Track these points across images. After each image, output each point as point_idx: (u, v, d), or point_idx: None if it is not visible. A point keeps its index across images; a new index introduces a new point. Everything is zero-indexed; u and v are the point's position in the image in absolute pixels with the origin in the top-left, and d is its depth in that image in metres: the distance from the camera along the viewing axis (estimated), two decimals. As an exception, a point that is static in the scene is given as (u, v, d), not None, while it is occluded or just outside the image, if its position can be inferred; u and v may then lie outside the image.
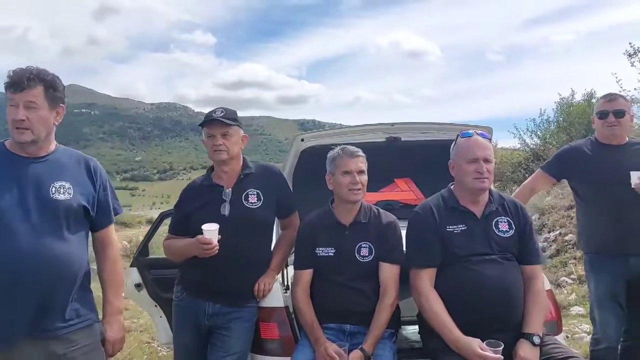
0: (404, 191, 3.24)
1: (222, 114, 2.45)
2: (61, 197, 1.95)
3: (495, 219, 2.34)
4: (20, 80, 1.89)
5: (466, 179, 2.32)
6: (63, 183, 1.97)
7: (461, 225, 2.32)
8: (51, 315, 1.90)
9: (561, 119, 14.74)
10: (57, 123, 2.03)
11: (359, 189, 2.41)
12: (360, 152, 2.46)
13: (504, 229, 2.33)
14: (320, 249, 2.45)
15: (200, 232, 2.29)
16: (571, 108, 14.47)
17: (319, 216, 2.54)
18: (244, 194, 2.49)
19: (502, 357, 2.06)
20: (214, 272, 2.38)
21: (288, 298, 2.58)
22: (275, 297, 2.52)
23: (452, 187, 2.47)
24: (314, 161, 3.05)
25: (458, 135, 2.42)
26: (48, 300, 1.88)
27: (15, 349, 1.84)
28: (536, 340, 2.15)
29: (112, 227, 2.20)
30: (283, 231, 2.71)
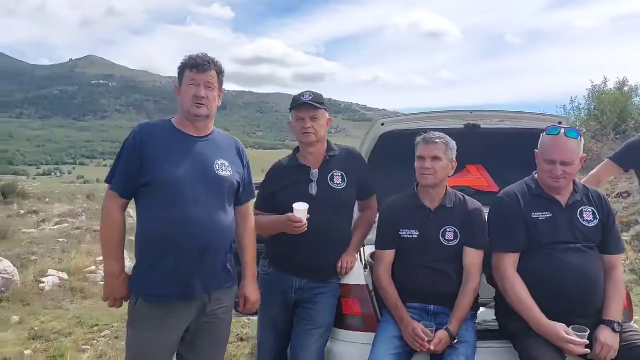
0: (476, 177, 3.29)
1: (311, 97, 2.54)
2: (223, 173, 2.20)
3: (580, 208, 2.40)
4: (203, 63, 2.17)
5: (541, 175, 2.42)
6: (223, 161, 2.23)
7: (546, 213, 2.38)
8: (213, 276, 2.18)
9: (592, 106, 14.54)
10: (219, 104, 2.27)
11: (429, 174, 2.47)
12: (439, 139, 2.49)
13: (589, 219, 2.39)
14: (403, 230, 2.52)
15: (288, 209, 2.39)
16: (603, 96, 14.27)
17: (403, 198, 2.60)
18: (329, 175, 2.58)
19: (588, 342, 2.14)
20: (301, 248, 2.48)
21: (367, 276, 2.67)
22: (356, 275, 2.61)
23: (535, 175, 2.52)
24: (391, 145, 3.11)
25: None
26: (212, 263, 2.16)
27: (184, 306, 2.13)
28: (617, 327, 2.22)
29: (250, 201, 2.43)
30: (361, 212, 2.78)
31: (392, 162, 2.97)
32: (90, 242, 9.34)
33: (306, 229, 2.39)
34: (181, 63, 2.21)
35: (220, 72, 2.23)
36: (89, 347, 4.29)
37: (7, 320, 4.88)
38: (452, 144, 2.52)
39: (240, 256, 2.40)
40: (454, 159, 2.53)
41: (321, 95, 2.60)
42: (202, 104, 2.16)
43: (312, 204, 2.42)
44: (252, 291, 2.37)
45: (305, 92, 2.58)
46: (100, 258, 7.36)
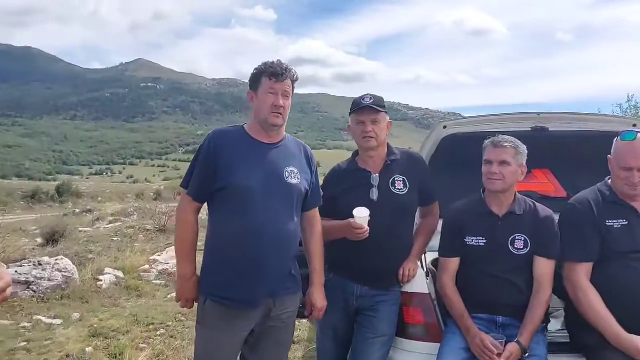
0: (542, 182, 3.15)
1: (372, 100, 2.49)
2: (293, 181, 2.22)
3: None
4: (282, 72, 2.17)
5: (616, 182, 2.31)
6: (293, 168, 2.25)
7: (622, 220, 2.27)
8: (278, 282, 2.19)
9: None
10: None
11: (496, 179, 2.37)
12: (508, 143, 2.39)
13: None
14: (469, 237, 2.43)
15: (348, 214, 2.35)
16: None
17: (469, 204, 2.51)
18: (390, 180, 2.52)
19: None
20: (362, 255, 2.43)
21: (429, 284, 2.59)
22: (418, 283, 2.54)
23: (609, 180, 2.38)
24: (454, 149, 3.01)
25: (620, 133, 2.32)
26: (278, 269, 2.18)
27: (250, 310, 2.16)
28: None
29: (317, 208, 2.44)
30: (423, 219, 2.71)
31: (454, 166, 2.88)
32: (143, 241, 9.61)
33: (368, 235, 2.34)
34: (257, 70, 2.22)
35: (294, 80, 2.25)
36: (146, 345, 4.38)
37: (68, 317, 5.06)
38: (522, 148, 2.41)
39: (308, 262, 2.39)
40: (524, 164, 2.42)
41: (382, 98, 2.55)
42: (279, 113, 2.19)
43: (373, 209, 2.37)
44: (319, 298, 2.36)
45: (365, 95, 2.53)
46: (153, 257, 7.57)
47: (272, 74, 2.17)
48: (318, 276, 2.37)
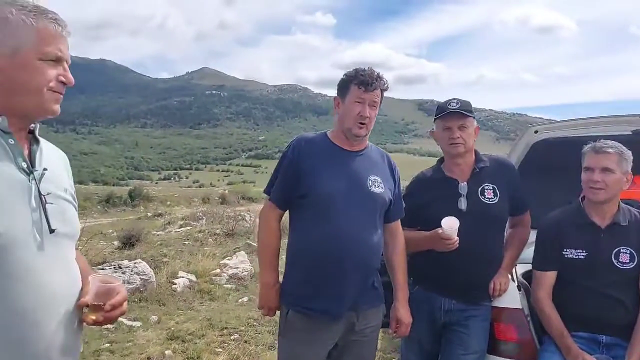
0: (646, 190, 2.90)
1: (458, 105, 2.37)
2: (376, 190, 2.15)
3: None
4: (372, 81, 2.11)
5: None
6: (376, 177, 2.18)
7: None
8: (361, 294, 2.12)
9: None
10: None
11: (598, 188, 2.18)
12: (612, 149, 2.21)
13: None
14: (568, 250, 2.27)
15: (435, 224, 2.25)
16: None
17: (567, 214, 2.34)
18: (479, 189, 2.39)
19: None
20: (451, 267, 2.32)
21: (522, 299, 2.44)
22: (511, 298, 2.39)
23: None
24: (546, 155, 2.84)
25: None
26: (361, 281, 2.12)
27: (331, 322, 2.09)
28: None
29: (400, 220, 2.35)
30: (513, 229, 2.56)
31: (546, 173, 2.71)
32: (212, 245, 9.85)
33: (457, 246, 2.22)
34: (347, 76, 2.16)
35: (384, 90, 2.18)
36: (221, 350, 4.45)
37: (147, 320, 5.24)
38: (628, 154, 2.22)
39: (391, 276, 2.31)
40: (630, 170, 2.22)
41: (469, 102, 2.42)
42: (364, 124, 2.13)
43: (462, 220, 2.24)
44: (405, 314, 2.26)
45: (451, 99, 2.41)
46: (224, 261, 7.73)
47: (362, 82, 2.10)
48: (403, 291, 2.28)
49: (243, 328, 5.10)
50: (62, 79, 1.25)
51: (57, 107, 1.26)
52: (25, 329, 1.13)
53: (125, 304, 1.33)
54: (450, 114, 2.36)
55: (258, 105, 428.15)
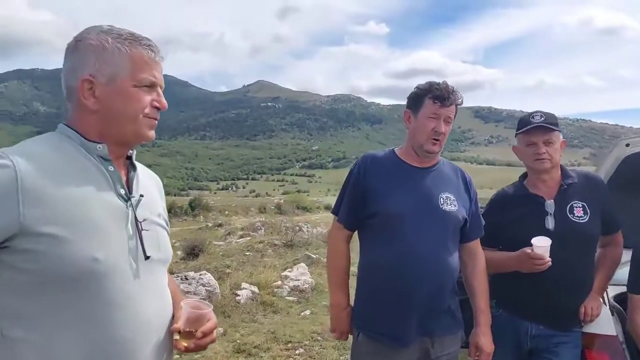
0: None
1: (543, 118, 2.21)
2: (449, 208, 2.05)
3: None
4: (448, 96, 2.02)
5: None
6: (449, 194, 2.07)
7: None
8: (435, 319, 2.02)
9: None
10: None
11: None
12: None
13: None
14: None
15: (520, 245, 2.11)
16: None
17: None
18: (568, 206, 2.23)
19: None
20: (540, 290, 2.17)
21: (616, 324, 2.25)
22: (604, 323, 2.20)
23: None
24: (638, 169, 2.64)
25: None
26: (434, 304, 2.01)
27: (402, 348, 1.99)
28: None
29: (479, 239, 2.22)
30: (604, 249, 2.37)
31: (638, 189, 2.51)
32: (272, 256, 9.95)
33: (549, 267, 2.07)
34: (421, 90, 2.08)
35: (458, 105, 2.08)
36: (287, 364, 4.43)
37: (213, 331, 5.31)
38: None
39: (471, 300, 2.18)
40: None
41: (554, 115, 2.26)
42: (438, 140, 2.04)
43: (551, 240, 2.09)
44: (486, 342, 2.10)
45: (535, 112, 2.26)
46: (284, 273, 7.76)
47: (437, 97, 2.01)
48: (484, 316, 2.13)
49: (307, 342, 5.07)
50: (156, 104, 1.25)
51: (152, 133, 1.27)
52: (124, 357, 1.13)
53: (215, 331, 1.32)
54: (535, 128, 2.22)
55: (312, 116, 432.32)
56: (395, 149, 2.19)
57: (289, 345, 5.01)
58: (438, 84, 2.05)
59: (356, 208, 2.09)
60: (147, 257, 1.21)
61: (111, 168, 1.21)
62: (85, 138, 1.19)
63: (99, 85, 1.18)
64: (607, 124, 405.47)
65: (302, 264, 8.20)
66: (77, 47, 1.20)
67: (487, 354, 2.11)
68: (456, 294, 2.12)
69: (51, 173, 1.10)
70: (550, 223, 2.21)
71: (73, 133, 1.20)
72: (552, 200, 2.24)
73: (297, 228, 13.96)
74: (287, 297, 6.89)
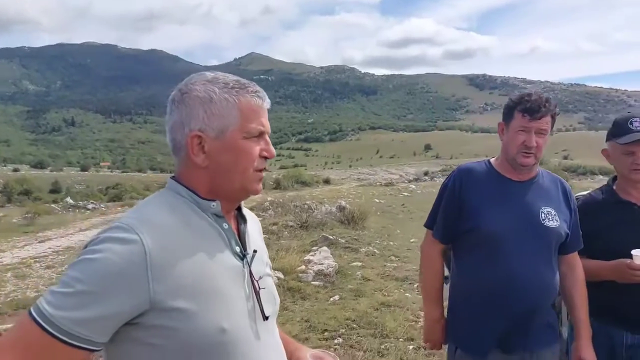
0: None
1: None
2: (551, 224, 1.99)
3: None
4: (538, 108, 1.93)
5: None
6: (550, 209, 2.01)
7: None
8: (534, 335, 2.00)
9: None
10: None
11: None
12: None
13: None
14: None
15: (613, 254, 2.06)
16: None
17: None
18: None
19: None
20: (637, 300, 2.10)
21: None
22: None
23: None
24: None
25: None
26: (534, 322, 1.99)
27: None
28: None
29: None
30: None
31: None
32: (288, 238, 9.92)
33: None
34: (512, 102, 2.00)
35: (555, 115, 1.99)
36: (329, 355, 4.42)
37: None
38: None
39: (571, 312, 2.14)
40: None
41: None
42: (530, 153, 1.96)
43: None
44: (589, 354, 2.05)
45: (633, 117, 2.13)
46: (307, 257, 7.73)
47: (527, 110, 1.93)
48: (585, 328, 2.08)
49: (344, 330, 5.06)
50: (265, 154, 1.17)
51: (259, 187, 1.19)
52: None
53: None
54: (635, 135, 2.08)
55: (306, 88, 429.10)
56: (492, 160, 2.12)
57: (326, 334, 4.99)
58: (529, 95, 1.96)
59: (452, 223, 2.05)
60: (265, 318, 1.17)
61: (226, 226, 1.15)
62: (197, 195, 1.13)
63: (208, 140, 1.12)
64: (601, 87, 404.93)
65: (325, 248, 8.17)
66: (184, 99, 1.13)
67: None
68: (554, 307, 2.08)
69: (174, 242, 1.05)
70: None
71: (186, 191, 1.14)
72: None
73: (306, 207, 13.92)
74: (312, 282, 6.87)
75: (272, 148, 1.19)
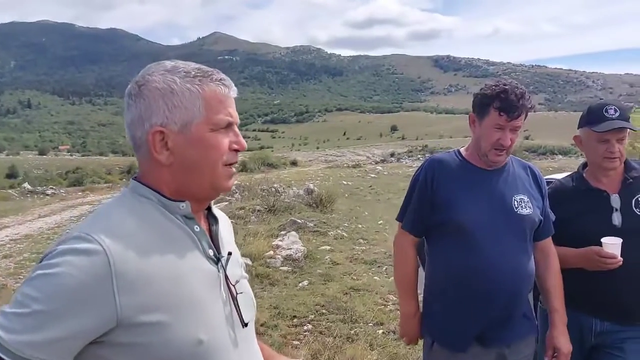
0: None
1: (618, 113, 2.07)
2: (524, 211, 1.97)
3: None
4: (515, 107, 1.89)
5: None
6: (523, 196, 1.99)
7: None
8: (512, 326, 1.98)
9: None
10: None
11: None
12: None
13: None
14: None
15: (584, 242, 2.08)
16: None
17: None
18: (634, 200, 2.13)
19: None
20: (607, 288, 2.10)
21: None
22: None
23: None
24: None
25: None
26: (512, 312, 1.98)
27: (479, 355, 1.96)
28: None
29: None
30: None
31: None
32: (255, 222, 9.80)
33: (620, 265, 2.00)
34: (487, 96, 1.92)
35: (528, 111, 1.95)
36: (298, 342, 4.39)
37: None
38: None
39: (545, 300, 2.13)
40: None
41: (625, 106, 2.16)
42: (503, 151, 1.94)
43: (618, 237, 2.01)
44: (564, 342, 2.05)
45: (608, 105, 2.10)
46: (275, 242, 7.66)
47: (503, 109, 1.87)
48: (560, 316, 2.07)
49: (313, 317, 5.03)
50: (235, 146, 1.08)
51: (230, 183, 1.11)
52: None
53: None
54: (610, 125, 2.06)
55: (271, 69, 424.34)
56: (461, 149, 2.08)
57: (295, 320, 4.96)
58: (505, 90, 1.88)
59: (424, 216, 2.02)
60: (245, 325, 1.11)
61: (197, 228, 1.07)
62: (163, 196, 1.04)
63: (171, 135, 1.03)
64: (561, 69, 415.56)
65: (293, 232, 8.10)
66: (141, 92, 1.04)
67: (565, 354, 2.05)
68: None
69: (141, 249, 0.95)
70: (617, 219, 2.12)
71: (150, 192, 1.05)
72: (617, 195, 2.15)
73: (274, 190, 13.79)
74: (281, 268, 6.81)
75: (242, 140, 1.10)
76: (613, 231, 2.05)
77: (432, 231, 2.04)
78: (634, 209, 2.12)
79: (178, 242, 1.03)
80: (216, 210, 1.20)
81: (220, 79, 1.07)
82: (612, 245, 1.99)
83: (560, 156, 46.01)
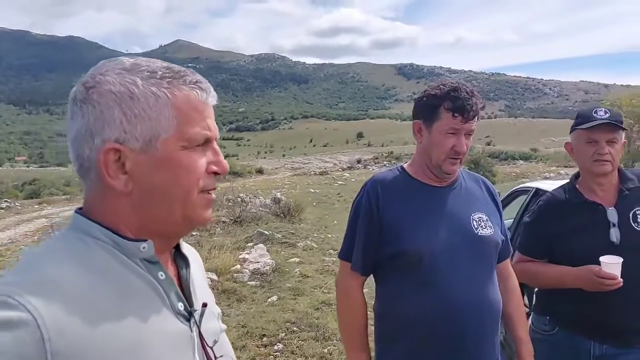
0: None
1: (608, 114, 1.94)
2: (485, 232, 1.70)
3: None
4: (470, 107, 1.63)
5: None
6: (481, 215, 1.73)
7: None
8: (484, 355, 1.71)
9: None
10: None
11: None
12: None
13: None
14: None
15: (579, 261, 1.90)
16: None
17: None
18: (631, 214, 1.97)
19: None
20: (606, 308, 1.93)
21: None
22: None
23: None
24: None
25: None
26: (480, 349, 1.69)
27: None
28: None
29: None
30: None
31: None
32: (221, 234, 9.47)
33: (620, 286, 1.82)
34: (435, 97, 1.67)
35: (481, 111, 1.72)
36: (268, 365, 4.13)
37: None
38: None
39: (509, 329, 1.89)
40: None
41: (618, 112, 2.02)
42: (459, 158, 1.68)
43: (616, 254, 1.85)
44: None
45: (598, 107, 1.98)
46: (242, 256, 7.36)
47: (457, 109, 1.62)
48: (527, 348, 1.83)
49: (284, 335, 4.77)
50: (214, 168, 0.83)
51: (208, 214, 0.85)
52: None
53: None
54: (598, 126, 1.93)
55: (236, 77, 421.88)
56: (405, 166, 1.81)
57: (265, 339, 4.68)
58: (455, 89, 1.64)
59: (371, 250, 1.71)
60: None
61: (162, 275, 0.80)
62: (118, 234, 0.78)
63: (130, 155, 0.77)
64: (520, 76, 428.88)
65: (261, 245, 7.81)
66: (90, 98, 0.77)
67: None
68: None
69: (87, 311, 0.70)
70: (614, 235, 1.94)
71: (101, 231, 0.78)
72: (613, 208, 1.98)
73: (239, 200, 13.46)
74: (249, 282, 6.51)
75: (223, 160, 0.84)
76: (611, 249, 1.89)
77: (380, 266, 1.74)
78: (632, 223, 1.96)
79: (138, 296, 0.77)
80: (186, 248, 0.93)
81: (196, 81, 0.82)
82: (612, 265, 1.81)
83: (521, 161, 47.18)
